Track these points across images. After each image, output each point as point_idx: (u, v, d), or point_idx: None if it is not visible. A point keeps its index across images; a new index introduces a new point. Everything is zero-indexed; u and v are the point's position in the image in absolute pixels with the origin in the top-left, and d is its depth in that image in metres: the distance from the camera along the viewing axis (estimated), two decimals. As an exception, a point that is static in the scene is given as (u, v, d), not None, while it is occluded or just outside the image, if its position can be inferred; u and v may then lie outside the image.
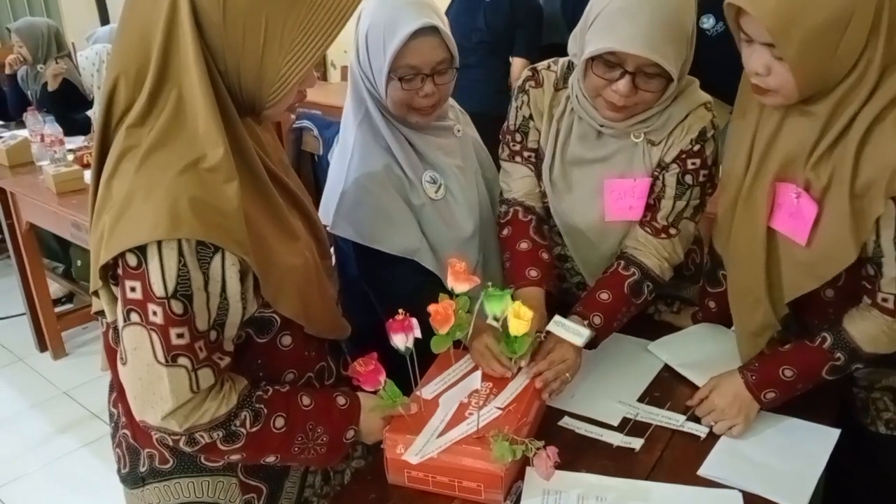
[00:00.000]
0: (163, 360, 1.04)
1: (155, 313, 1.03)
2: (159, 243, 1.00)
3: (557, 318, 1.43)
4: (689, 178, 1.57)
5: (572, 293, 1.77)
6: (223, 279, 1.06)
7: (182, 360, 1.05)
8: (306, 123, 4.44)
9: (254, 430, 1.15)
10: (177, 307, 1.03)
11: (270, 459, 1.22)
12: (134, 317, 1.04)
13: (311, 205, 1.32)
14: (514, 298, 1.37)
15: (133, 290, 1.03)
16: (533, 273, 1.60)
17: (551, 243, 1.71)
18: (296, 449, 1.21)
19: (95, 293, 1.13)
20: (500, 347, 1.41)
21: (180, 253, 1.01)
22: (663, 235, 1.60)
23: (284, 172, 1.25)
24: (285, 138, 4.78)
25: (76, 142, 3.85)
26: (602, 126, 1.57)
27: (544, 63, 1.68)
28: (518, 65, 3.61)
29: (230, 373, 1.15)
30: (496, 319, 1.35)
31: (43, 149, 3.58)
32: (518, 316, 1.32)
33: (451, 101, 1.75)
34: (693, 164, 1.56)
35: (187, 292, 1.03)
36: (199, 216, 1.00)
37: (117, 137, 1.07)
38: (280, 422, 1.18)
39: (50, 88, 4.20)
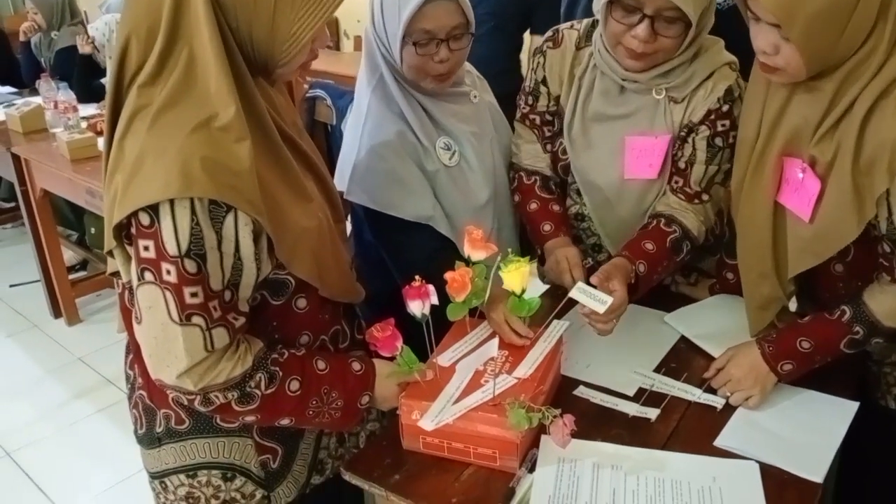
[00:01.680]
0: (177, 319, 1.05)
1: (168, 272, 1.03)
2: (171, 202, 1.00)
3: (580, 284, 1.41)
4: (719, 141, 1.56)
5: (587, 255, 1.77)
6: (236, 239, 1.06)
7: (196, 319, 1.05)
8: (319, 93, 4.43)
9: (268, 392, 1.15)
10: (190, 266, 1.03)
11: (285, 422, 1.22)
12: (148, 276, 1.04)
13: (325, 168, 1.31)
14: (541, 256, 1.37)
15: (146, 249, 1.03)
16: (546, 227, 1.67)
17: (562, 197, 1.74)
18: (310, 412, 1.21)
19: (110, 253, 1.13)
20: (511, 313, 1.40)
21: (193, 212, 1.01)
22: (696, 201, 1.60)
23: (298, 135, 1.24)
24: (298, 108, 4.77)
25: (91, 109, 3.85)
26: (624, 80, 1.56)
27: (567, 23, 1.68)
28: (538, 43, 3.52)
29: (246, 335, 1.15)
30: (519, 295, 1.35)
31: (56, 116, 3.58)
32: (511, 268, 1.32)
33: (469, 66, 1.73)
34: (723, 125, 1.54)
35: (200, 251, 1.03)
36: (210, 175, 1.00)
37: (129, 97, 1.06)
38: (295, 385, 1.18)
39: (81, 52, 4.17)
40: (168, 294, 1.04)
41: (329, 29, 5.91)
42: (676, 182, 1.61)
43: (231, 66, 1.04)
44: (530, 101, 1.71)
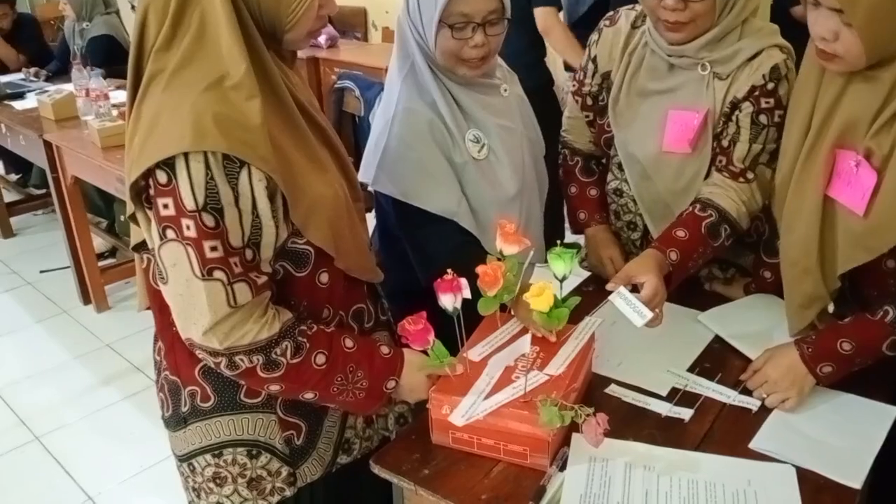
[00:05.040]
0: (199, 274, 1.07)
1: (188, 227, 1.05)
2: (186, 157, 1.02)
3: (622, 290, 1.38)
4: (763, 118, 1.55)
5: (623, 234, 1.80)
6: (253, 196, 1.07)
7: (217, 274, 1.07)
8: (348, 84, 4.43)
9: (294, 361, 1.16)
10: (208, 220, 1.05)
11: (309, 396, 1.23)
12: (170, 233, 1.06)
13: (342, 146, 1.32)
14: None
15: (166, 206, 1.05)
16: (581, 216, 1.83)
17: (601, 178, 1.82)
18: (334, 389, 1.22)
19: (133, 218, 1.15)
20: (538, 320, 1.37)
21: (207, 166, 1.03)
22: (741, 179, 1.59)
23: (315, 112, 1.25)
24: (326, 99, 4.78)
25: (122, 96, 3.87)
26: (671, 56, 1.59)
27: (630, 4, 1.71)
28: (538, 14, 3.29)
29: (277, 306, 1.17)
30: (562, 279, 1.33)
31: (88, 103, 3.60)
32: (539, 293, 1.28)
33: (500, 59, 1.71)
34: (767, 102, 1.54)
35: (217, 206, 1.05)
36: (223, 130, 1.02)
37: (147, 65, 1.09)
38: (321, 359, 1.19)
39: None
40: (190, 249, 1.06)
41: (357, 20, 5.90)
42: (721, 160, 1.61)
43: (241, 27, 1.06)
44: (580, 77, 1.77)
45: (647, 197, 1.70)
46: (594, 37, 1.74)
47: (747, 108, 1.55)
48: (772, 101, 1.53)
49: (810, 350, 1.37)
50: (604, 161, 1.82)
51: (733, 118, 1.57)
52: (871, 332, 1.34)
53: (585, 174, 1.84)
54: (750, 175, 1.59)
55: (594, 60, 1.74)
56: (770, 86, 1.53)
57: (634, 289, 1.43)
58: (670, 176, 1.65)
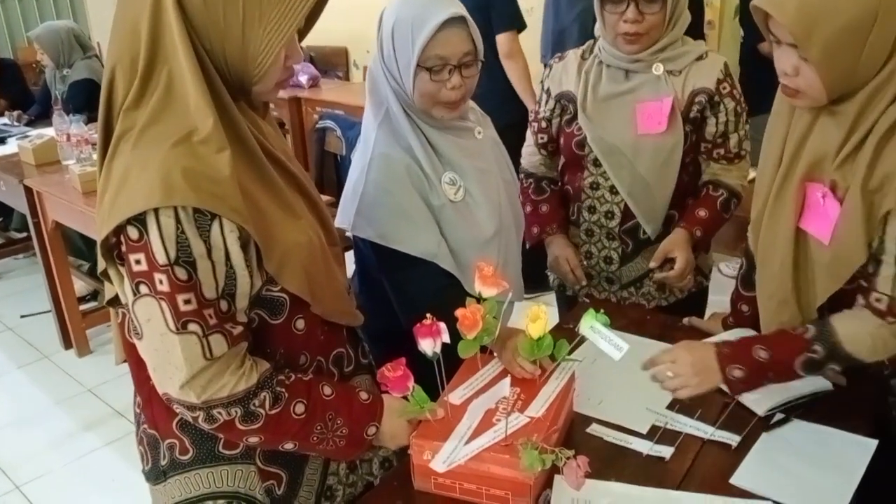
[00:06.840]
0: (174, 328, 1.06)
1: (161, 282, 1.05)
2: (156, 212, 1.02)
3: (597, 325, 1.37)
4: (739, 108, 1.90)
5: (601, 223, 1.97)
6: (225, 247, 1.07)
7: (192, 327, 1.07)
8: (329, 124, 4.44)
9: (273, 412, 1.16)
10: (181, 273, 1.05)
11: (289, 446, 1.22)
12: (143, 289, 1.06)
13: (317, 192, 1.32)
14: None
15: (138, 262, 1.05)
16: (534, 230, 2.03)
17: (552, 195, 2.06)
18: (314, 438, 1.21)
19: (105, 275, 1.15)
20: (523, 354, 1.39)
21: (177, 221, 1.03)
22: (737, 160, 1.95)
23: (287, 159, 1.26)
24: (308, 138, 4.80)
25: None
26: (628, 63, 1.86)
27: (573, 48, 2.00)
28: (503, 40, 3.33)
29: (254, 356, 1.16)
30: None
31: (69, 148, 3.61)
32: (535, 318, 1.32)
33: (472, 103, 1.74)
34: (738, 93, 1.90)
35: (189, 259, 1.05)
36: (192, 185, 1.03)
37: (117, 124, 1.10)
38: (300, 408, 1.19)
39: None
40: (163, 304, 1.05)
41: (338, 60, 5.96)
42: (718, 152, 1.93)
43: (208, 83, 1.07)
44: (535, 109, 2.04)
45: (628, 180, 1.89)
46: (545, 73, 2.02)
47: (729, 103, 1.87)
48: (738, 91, 1.89)
49: (726, 350, 1.38)
50: (554, 186, 2.07)
51: (720, 111, 1.87)
52: (788, 344, 1.35)
53: (537, 193, 2.06)
54: (743, 153, 1.94)
55: (547, 92, 1.99)
56: (730, 79, 1.87)
57: (670, 262, 1.87)
58: (649, 155, 1.87)
